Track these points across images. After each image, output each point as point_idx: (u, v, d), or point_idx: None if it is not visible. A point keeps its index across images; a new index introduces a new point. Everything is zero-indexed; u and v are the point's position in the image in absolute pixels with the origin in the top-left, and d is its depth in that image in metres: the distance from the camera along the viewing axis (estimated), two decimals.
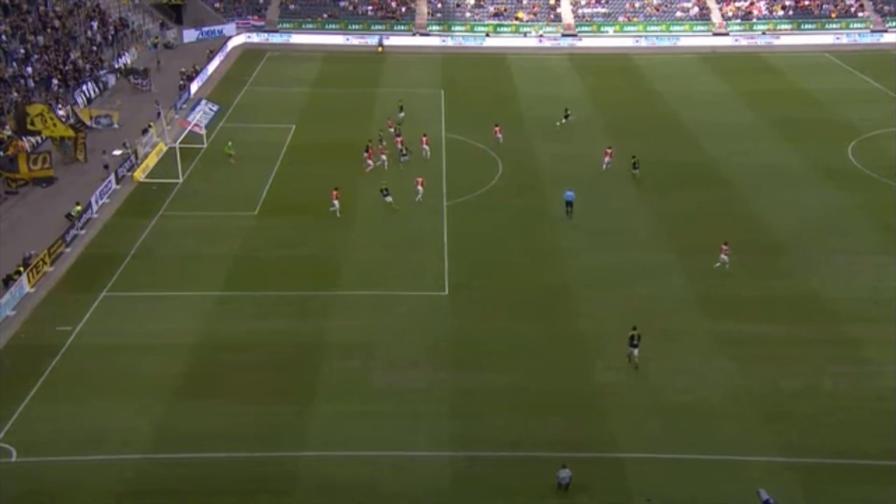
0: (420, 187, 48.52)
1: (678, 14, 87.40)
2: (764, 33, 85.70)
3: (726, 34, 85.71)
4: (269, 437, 30.58)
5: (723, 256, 41.47)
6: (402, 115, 60.26)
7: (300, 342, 36.08)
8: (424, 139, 55.27)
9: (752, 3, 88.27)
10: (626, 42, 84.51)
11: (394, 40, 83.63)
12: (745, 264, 42.06)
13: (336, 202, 46.68)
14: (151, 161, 54.07)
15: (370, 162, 52.20)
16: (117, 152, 55.19)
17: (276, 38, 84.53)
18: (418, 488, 28.55)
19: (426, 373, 34.22)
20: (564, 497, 28.00)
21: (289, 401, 32.44)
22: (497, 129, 57.65)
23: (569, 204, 46.92)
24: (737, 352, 35.39)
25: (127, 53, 73.00)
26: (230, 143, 55.12)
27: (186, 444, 30.25)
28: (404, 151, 53.94)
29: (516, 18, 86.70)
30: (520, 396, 32.77)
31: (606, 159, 52.91)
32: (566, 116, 60.34)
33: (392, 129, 57.27)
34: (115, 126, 59.87)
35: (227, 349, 35.54)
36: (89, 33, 71.41)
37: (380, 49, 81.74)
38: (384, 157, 53.20)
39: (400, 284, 40.46)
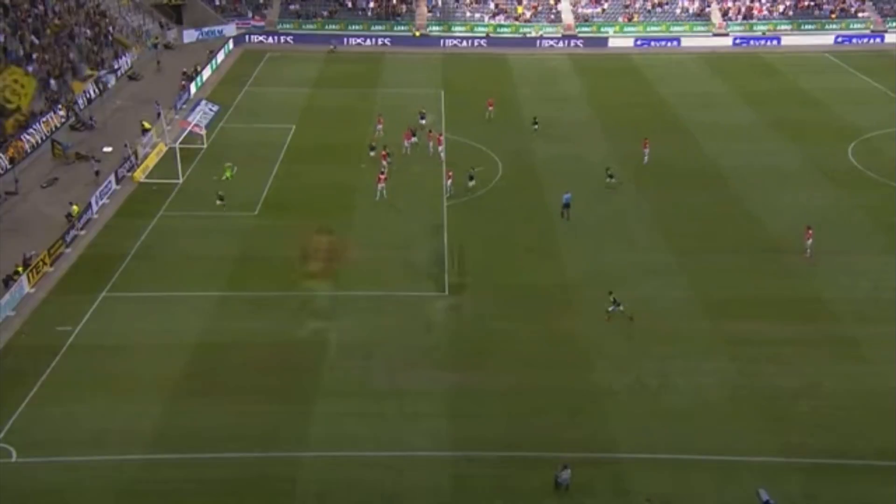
0: (449, 181, 49.90)
1: (678, 14, 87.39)
2: (764, 33, 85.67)
3: (726, 34, 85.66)
4: (269, 437, 30.57)
5: (808, 241, 41.97)
6: (424, 122, 59.94)
7: (300, 342, 36.08)
8: (436, 137, 55.88)
9: (752, 3, 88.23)
10: (626, 42, 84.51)
11: (394, 41, 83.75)
12: (745, 264, 42.11)
13: (381, 185, 48.61)
14: (151, 161, 54.03)
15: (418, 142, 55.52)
16: (108, 149, 55.15)
17: (276, 39, 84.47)
18: (418, 488, 28.56)
19: (426, 373, 34.22)
20: (564, 497, 28.01)
21: (289, 401, 32.45)
22: (490, 103, 61.86)
23: (566, 206, 46.91)
24: (737, 352, 35.40)
25: (127, 54, 72.92)
26: (230, 167, 52.76)
27: (186, 444, 30.27)
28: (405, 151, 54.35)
29: (515, 18, 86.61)
30: (520, 396, 32.77)
31: (646, 150, 53.54)
32: (535, 123, 59.94)
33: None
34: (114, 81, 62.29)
35: (228, 349, 35.55)
36: (89, 33, 71.30)
37: (331, 49, 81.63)
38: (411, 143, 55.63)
39: (400, 284, 40.46)
